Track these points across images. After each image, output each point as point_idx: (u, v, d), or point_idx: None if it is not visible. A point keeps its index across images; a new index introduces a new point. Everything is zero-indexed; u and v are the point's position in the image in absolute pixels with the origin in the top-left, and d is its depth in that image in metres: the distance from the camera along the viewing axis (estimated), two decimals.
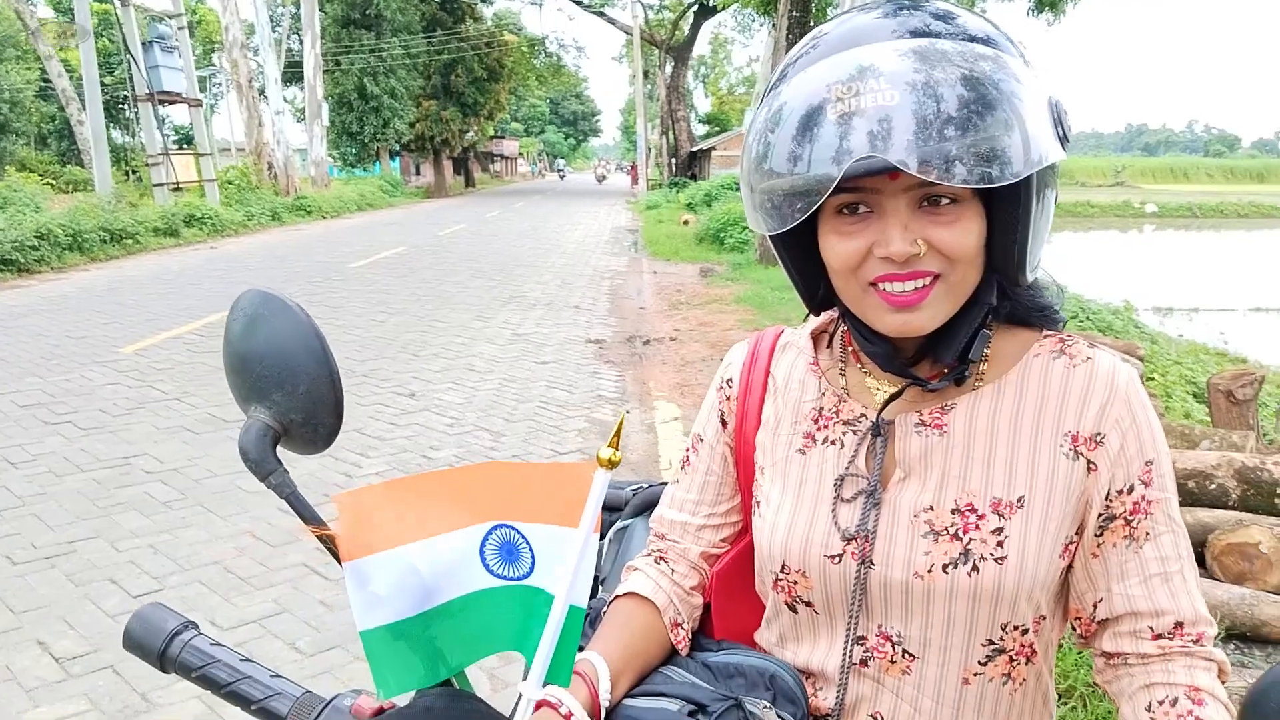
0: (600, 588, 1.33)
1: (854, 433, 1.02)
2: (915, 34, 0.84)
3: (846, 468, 1.00)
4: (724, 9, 34.41)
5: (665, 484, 1.43)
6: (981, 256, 0.90)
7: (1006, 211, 0.87)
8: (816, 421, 1.05)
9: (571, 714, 0.88)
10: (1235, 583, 3.22)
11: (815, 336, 1.12)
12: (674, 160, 40.47)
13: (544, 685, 0.76)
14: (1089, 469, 0.93)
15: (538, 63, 49.47)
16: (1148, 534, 0.92)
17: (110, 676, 3.01)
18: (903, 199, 0.86)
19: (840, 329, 1.09)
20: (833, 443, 1.03)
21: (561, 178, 71.02)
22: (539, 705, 0.88)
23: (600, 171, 69.44)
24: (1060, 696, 2.69)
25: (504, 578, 0.78)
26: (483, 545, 0.78)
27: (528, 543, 0.78)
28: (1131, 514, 0.92)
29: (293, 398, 0.81)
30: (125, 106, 22.89)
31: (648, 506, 1.38)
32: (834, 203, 0.89)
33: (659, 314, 10.26)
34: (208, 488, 4.72)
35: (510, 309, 10.51)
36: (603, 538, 1.43)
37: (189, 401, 6.37)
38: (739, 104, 58.24)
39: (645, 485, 1.44)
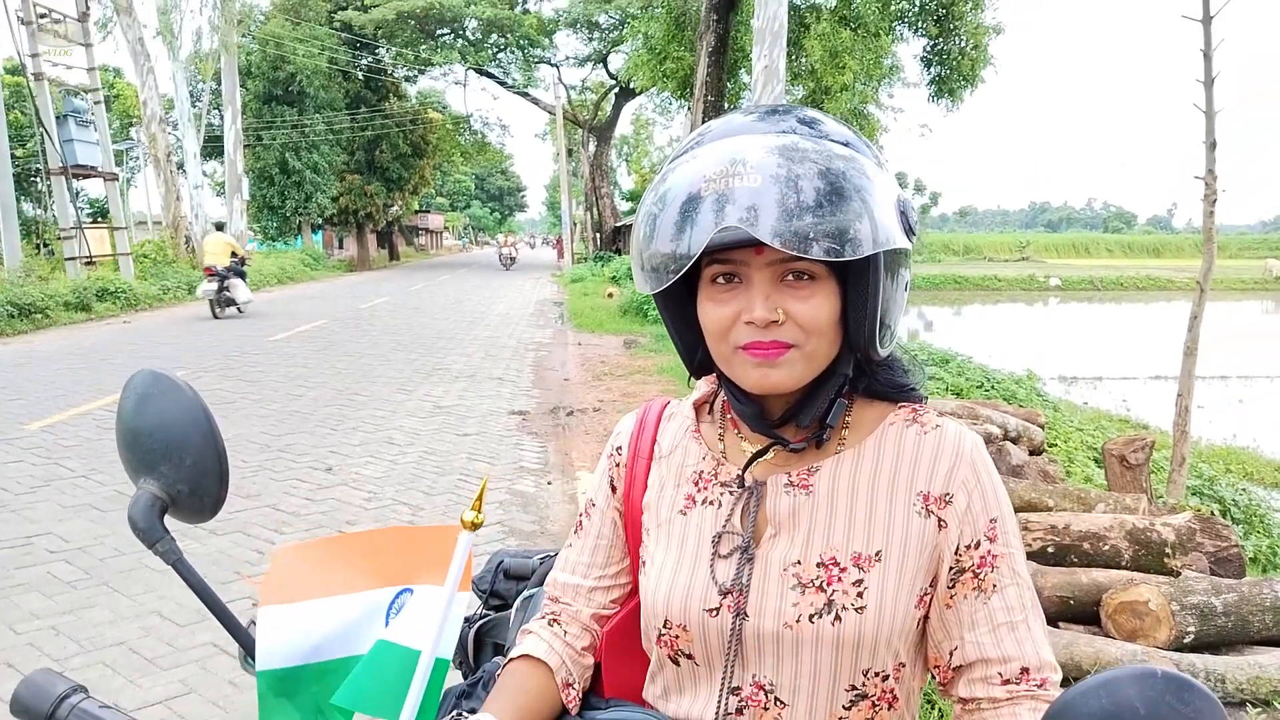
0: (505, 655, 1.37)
1: (730, 493, 1.10)
2: (783, 133, 0.96)
3: (724, 526, 1.08)
4: (643, 92, 35.32)
5: None
6: (836, 331, 1.00)
7: (859, 290, 0.98)
8: (697, 484, 1.13)
9: None
10: (1128, 639, 3.35)
11: (698, 406, 1.22)
12: (599, 235, 41.02)
13: None
14: (939, 525, 1.02)
15: (462, 140, 49.85)
16: (994, 586, 1.00)
17: None
18: (767, 272, 0.97)
19: (720, 399, 1.18)
20: (711, 503, 1.11)
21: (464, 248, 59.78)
22: None
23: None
24: None
25: (399, 641, 0.83)
26: (389, 608, 0.83)
27: (418, 607, 0.83)
28: (979, 567, 1.01)
29: (179, 470, 0.86)
30: (37, 180, 22.35)
31: None
32: (710, 273, 1.00)
33: (583, 385, 10.31)
34: (114, 567, 4.59)
35: (432, 381, 10.46)
36: (509, 606, 1.47)
37: (96, 479, 6.19)
38: None
39: (552, 554, 1.48)
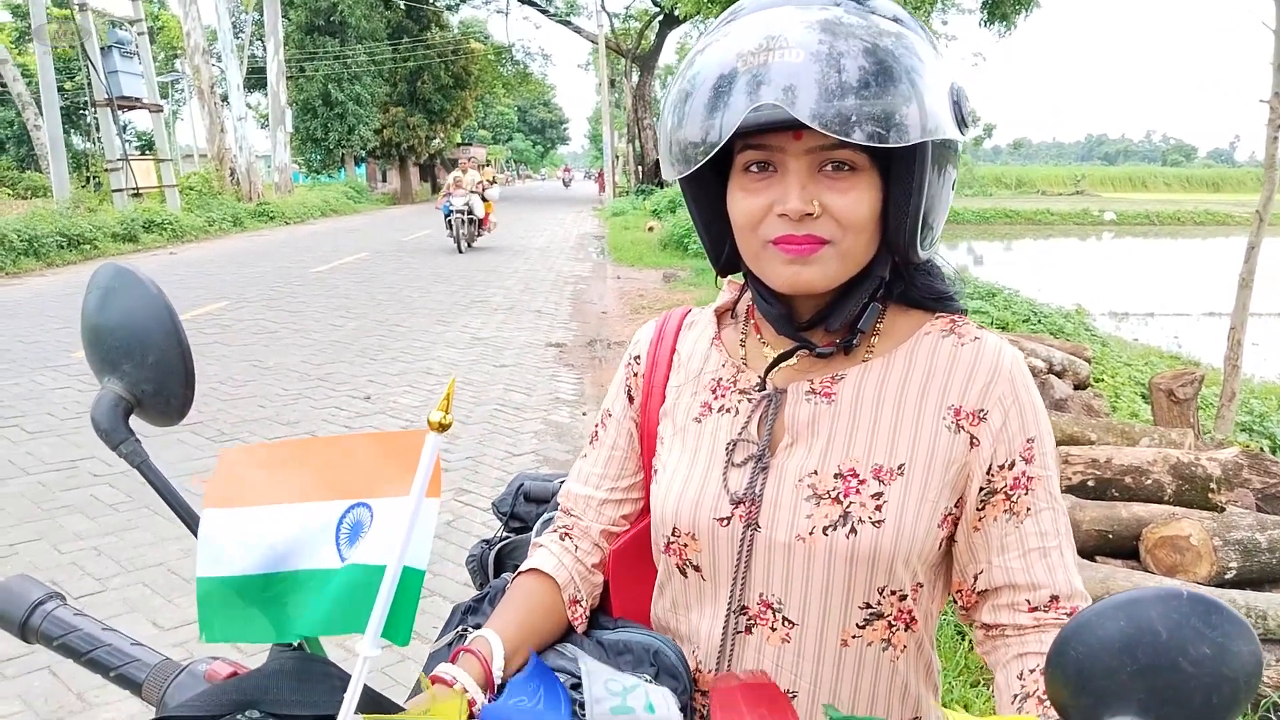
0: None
1: (748, 400, 1.04)
2: (826, 6, 0.88)
3: (739, 433, 1.03)
4: (687, 20, 34.62)
5: None
6: (874, 228, 0.93)
7: (902, 185, 0.91)
8: (714, 391, 1.08)
9: (465, 689, 0.89)
10: (1167, 574, 3.28)
11: (720, 314, 1.15)
12: (640, 168, 40.58)
13: (379, 643, 0.77)
14: (971, 443, 0.95)
15: (504, 70, 49.36)
16: (1028, 509, 0.94)
17: (46, 677, 2.98)
18: (804, 160, 0.90)
19: (744, 303, 1.12)
20: (728, 410, 1.05)
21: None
22: (433, 680, 0.90)
23: (565, 177, 73.18)
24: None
25: (349, 560, 0.79)
26: (339, 523, 0.79)
27: (373, 521, 0.79)
28: (1012, 489, 0.95)
29: (142, 369, 0.83)
30: (85, 112, 22.53)
31: None
32: (742, 161, 0.93)
33: (620, 318, 10.28)
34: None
35: (471, 313, 10.49)
36: (530, 529, 1.45)
37: None
38: None
39: None
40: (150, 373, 0.82)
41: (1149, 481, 3.77)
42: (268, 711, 0.76)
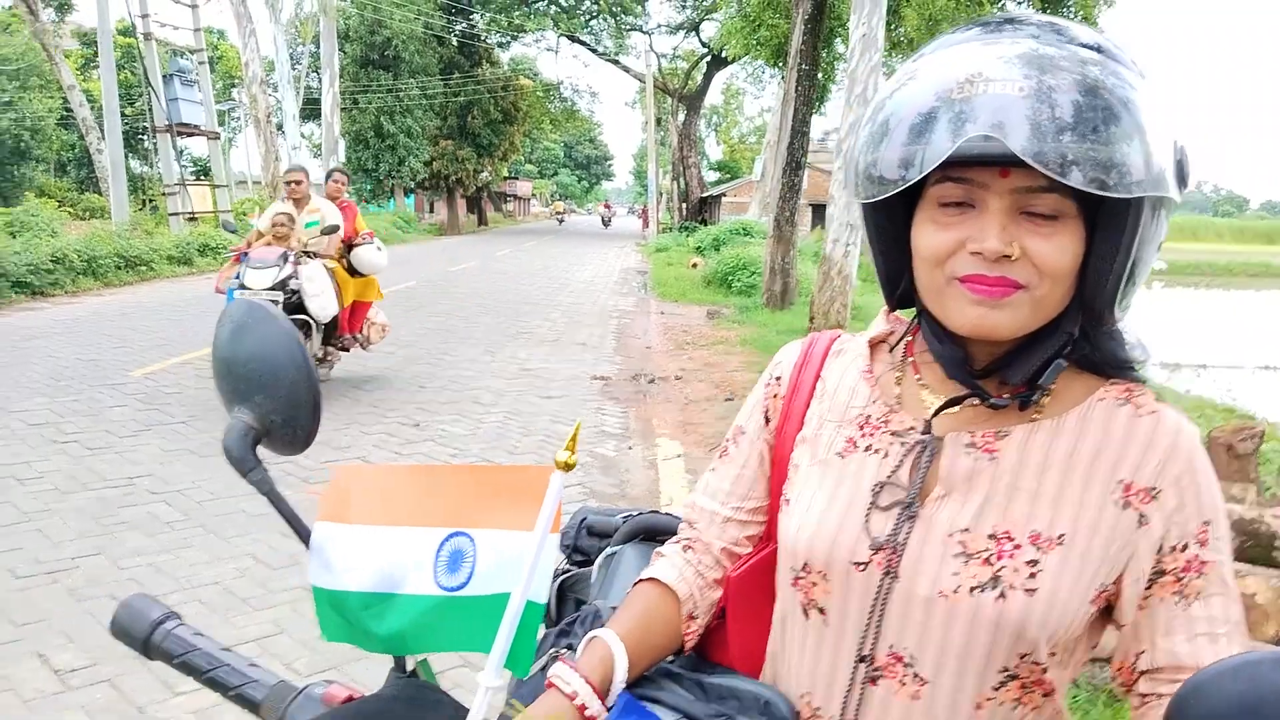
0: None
1: (901, 444, 0.99)
2: (1015, 39, 0.86)
3: (888, 477, 0.97)
4: (735, 61, 34.90)
5: (654, 511, 1.46)
6: (1072, 281, 0.88)
7: (1110, 238, 0.86)
8: (862, 428, 1.02)
9: (577, 694, 0.89)
10: None
11: (873, 345, 1.09)
12: (685, 205, 40.83)
13: (500, 675, 0.78)
14: (1140, 521, 0.90)
15: (552, 107, 50.06)
16: (1198, 593, 0.89)
17: (108, 690, 3.02)
18: (1007, 200, 0.85)
19: (901, 339, 1.07)
20: (875, 451, 1.00)
21: (560, 222, 63.62)
22: (548, 685, 0.90)
23: (605, 214, 64.93)
24: None
25: (445, 589, 0.82)
26: (438, 551, 0.82)
27: (474, 551, 0.81)
28: (1183, 572, 0.89)
29: (274, 400, 0.86)
30: (144, 137, 23.20)
31: (637, 533, 1.40)
32: (936, 194, 0.89)
33: (665, 353, 10.31)
34: (211, 510, 4.75)
35: (518, 344, 10.57)
36: (591, 563, 1.46)
37: (195, 425, 6.41)
38: (750, 152, 58.77)
39: (636, 513, 1.46)
40: (280, 404, 0.86)
41: None
42: None
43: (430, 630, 0.82)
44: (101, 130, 20.85)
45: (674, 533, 1.35)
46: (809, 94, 12.77)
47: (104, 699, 2.97)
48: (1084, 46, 0.84)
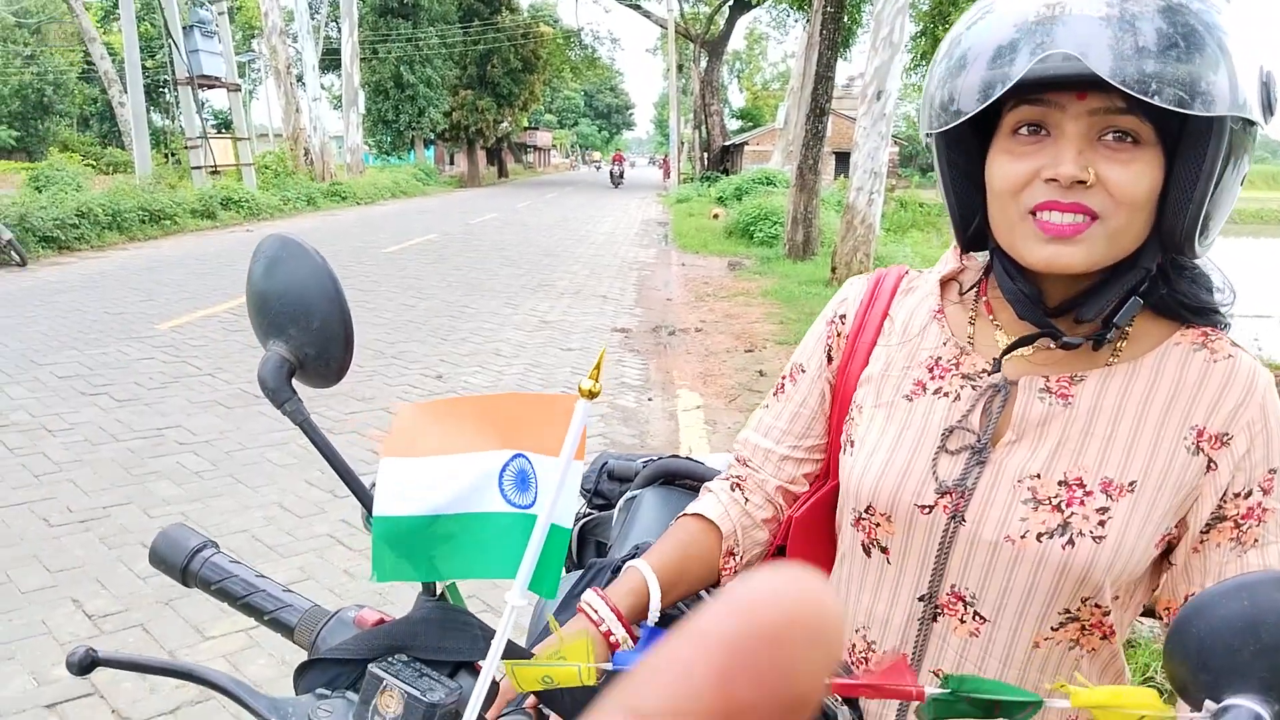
0: (610, 550, 1.38)
1: (972, 387, 0.97)
2: None
3: (959, 421, 0.97)
4: (759, 4, 34.33)
5: (675, 456, 1.48)
6: (1150, 211, 0.85)
7: (1190, 167, 0.82)
8: (931, 370, 1.01)
9: (603, 620, 0.92)
10: None
11: (944, 283, 1.06)
12: (706, 154, 40.43)
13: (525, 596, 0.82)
14: (1208, 466, 0.89)
15: (573, 55, 49.57)
16: (1256, 540, 0.88)
17: (140, 634, 3.11)
18: (1084, 123, 0.83)
19: (971, 277, 1.05)
20: (946, 394, 0.99)
21: (598, 169, 59.50)
22: (578, 610, 0.93)
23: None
24: None
25: (514, 505, 0.85)
26: (502, 472, 0.84)
27: (534, 473, 0.84)
28: (1243, 518, 0.88)
29: (307, 333, 0.87)
30: (166, 90, 23.25)
31: (657, 477, 1.42)
32: (1012, 120, 0.87)
33: (685, 305, 10.30)
34: (238, 460, 4.83)
35: (538, 297, 10.58)
36: (612, 506, 1.48)
37: (222, 377, 6.50)
38: (773, 99, 58.08)
39: (655, 457, 1.49)
40: (314, 337, 0.87)
41: None
42: (415, 656, 0.83)
43: (489, 550, 0.84)
44: (123, 83, 20.89)
45: (694, 476, 1.37)
46: (834, 37, 12.52)
47: (136, 643, 3.06)
48: None
